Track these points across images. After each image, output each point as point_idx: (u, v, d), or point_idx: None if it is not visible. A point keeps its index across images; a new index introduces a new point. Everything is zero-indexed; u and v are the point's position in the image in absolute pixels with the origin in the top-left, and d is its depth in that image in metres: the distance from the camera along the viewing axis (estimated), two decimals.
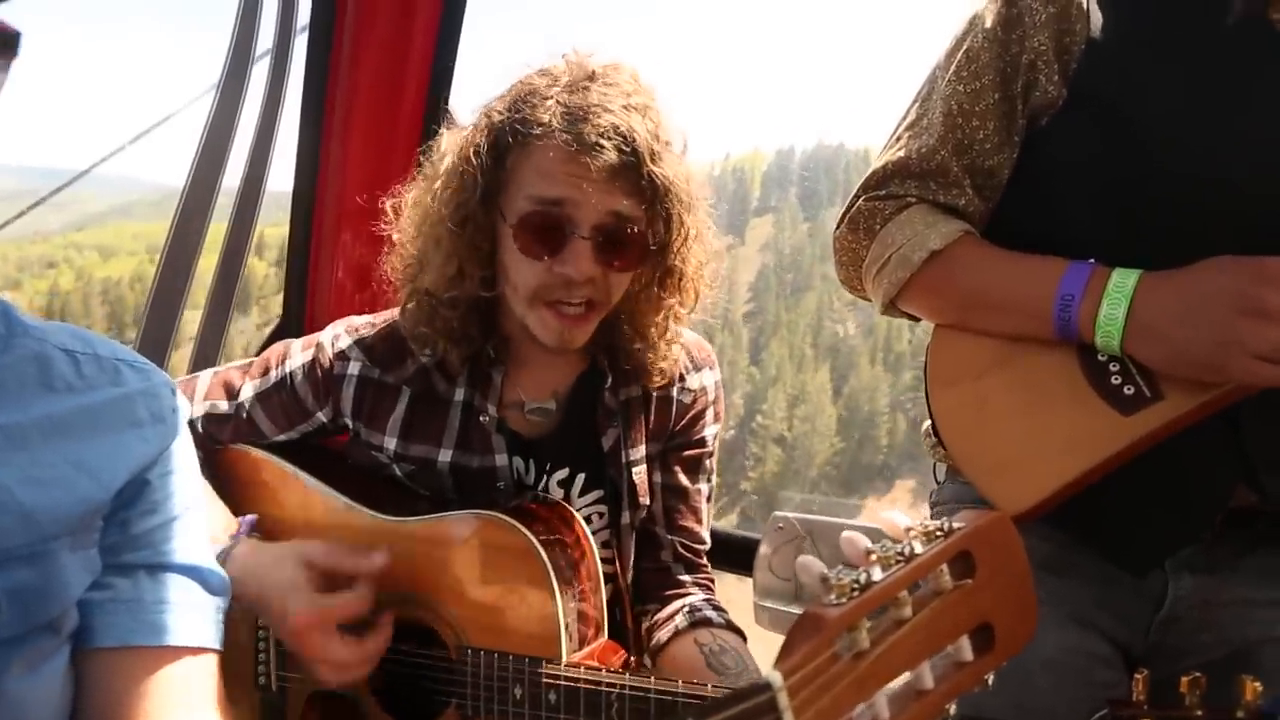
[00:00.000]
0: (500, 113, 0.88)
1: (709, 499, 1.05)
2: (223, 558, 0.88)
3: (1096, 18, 0.82)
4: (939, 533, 0.43)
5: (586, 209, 0.85)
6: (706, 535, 1.04)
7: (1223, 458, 0.79)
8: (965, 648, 0.42)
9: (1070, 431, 0.79)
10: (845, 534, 0.45)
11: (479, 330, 0.95)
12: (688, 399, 1.01)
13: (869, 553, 0.42)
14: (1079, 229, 0.83)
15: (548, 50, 0.92)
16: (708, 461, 1.04)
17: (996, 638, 0.43)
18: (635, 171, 0.85)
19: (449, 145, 0.92)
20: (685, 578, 1.00)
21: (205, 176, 1.33)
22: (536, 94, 0.87)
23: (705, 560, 1.04)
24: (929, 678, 0.40)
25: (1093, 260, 0.80)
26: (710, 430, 1.04)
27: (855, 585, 0.39)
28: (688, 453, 1.02)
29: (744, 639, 0.97)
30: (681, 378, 1.01)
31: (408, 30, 1.43)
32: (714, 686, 0.81)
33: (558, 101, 0.86)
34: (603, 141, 0.83)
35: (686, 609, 0.97)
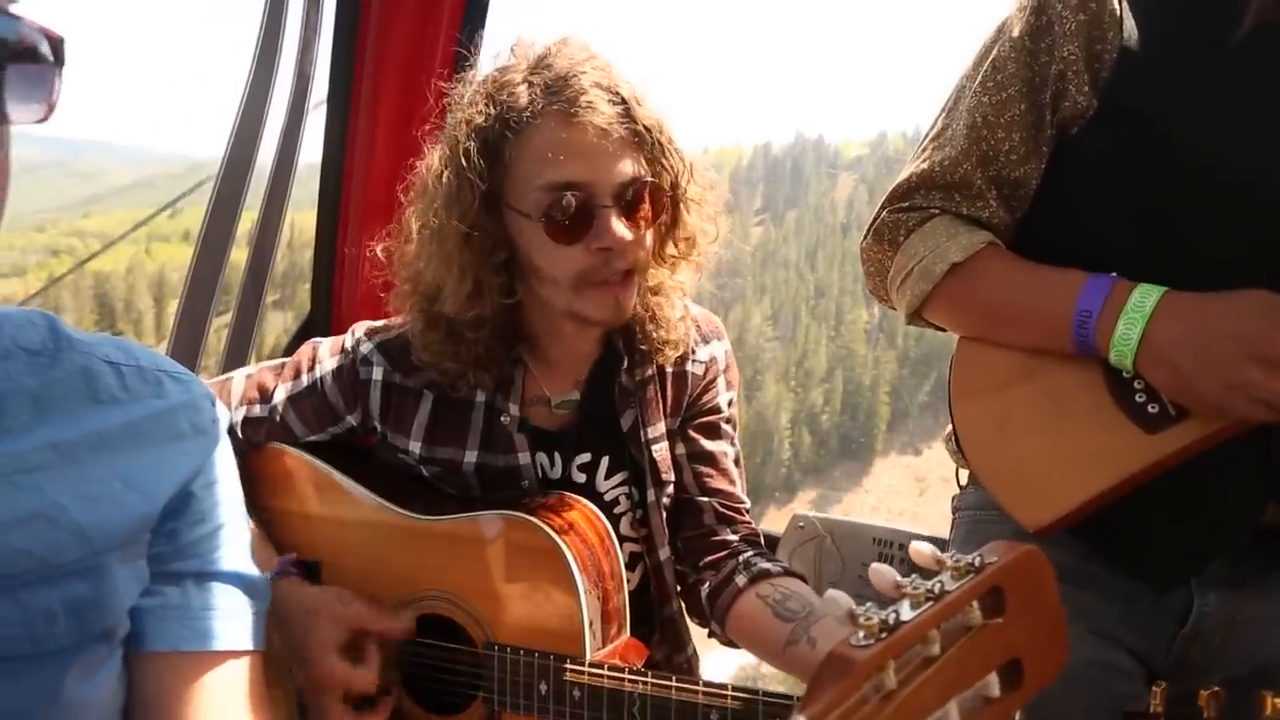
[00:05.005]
0: (480, 114, 0.88)
1: (737, 463, 1.05)
2: None
3: (1130, 25, 0.80)
4: (970, 568, 0.44)
5: (601, 178, 0.86)
6: (744, 496, 1.05)
7: (1253, 474, 0.78)
8: (993, 684, 0.43)
9: (1093, 448, 0.79)
10: (874, 565, 0.46)
11: (503, 347, 0.96)
12: (700, 370, 1.03)
13: (898, 586, 0.43)
14: (1109, 239, 0.82)
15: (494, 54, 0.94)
16: (726, 426, 1.05)
17: (1026, 673, 0.44)
18: (630, 119, 0.87)
19: (438, 161, 0.91)
20: (730, 536, 1.00)
21: (238, 159, 1.34)
22: (505, 86, 0.88)
23: (748, 516, 1.03)
24: (956, 716, 0.41)
25: (1114, 274, 0.79)
26: (724, 396, 1.05)
27: (884, 626, 0.39)
28: (704, 419, 1.03)
29: (805, 580, 0.97)
30: (692, 352, 1.02)
31: (435, 16, 1.42)
32: (734, 689, 0.82)
33: (529, 83, 0.87)
34: (591, 98, 0.85)
35: (742, 566, 0.97)
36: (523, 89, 0.87)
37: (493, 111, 0.87)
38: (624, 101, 0.87)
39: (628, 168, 0.87)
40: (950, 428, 0.93)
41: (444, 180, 0.88)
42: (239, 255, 1.42)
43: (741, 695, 0.81)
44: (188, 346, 1.31)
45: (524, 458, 0.98)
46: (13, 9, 0.47)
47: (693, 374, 1.02)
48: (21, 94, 0.46)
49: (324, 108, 1.44)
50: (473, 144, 0.87)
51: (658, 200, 0.91)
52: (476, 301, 0.91)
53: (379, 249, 0.99)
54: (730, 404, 1.06)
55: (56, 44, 0.46)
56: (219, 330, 1.40)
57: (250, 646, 0.67)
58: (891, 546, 1.28)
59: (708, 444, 1.03)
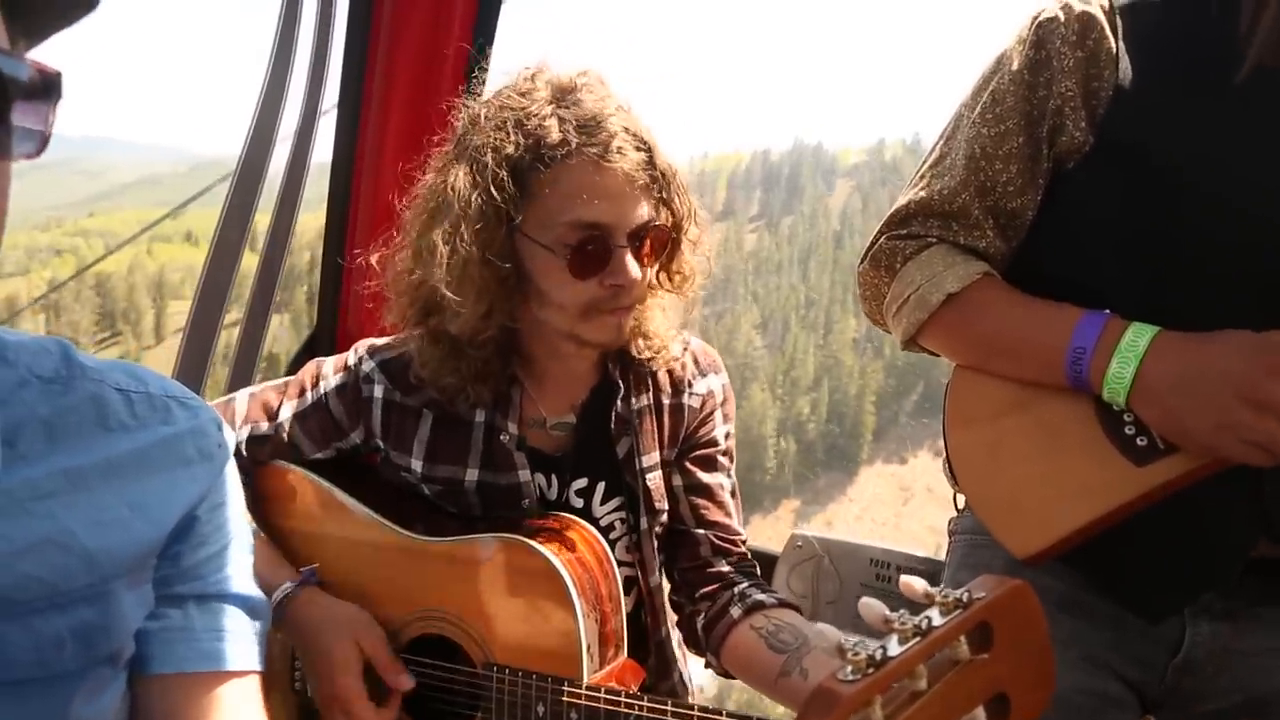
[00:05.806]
0: (510, 142, 0.89)
1: (733, 495, 1.07)
2: (284, 600, 0.94)
3: (1126, 64, 0.81)
4: (958, 603, 0.45)
5: (622, 220, 0.89)
6: (740, 528, 1.06)
7: (1243, 509, 0.79)
8: (980, 718, 0.44)
9: (1083, 479, 0.80)
10: (863, 600, 0.47)
11: (501, 363, 0.98)
12: (697, 403, 1.04)
13: (887, 621, 0.44)
14: (1104, 274, 0.83)
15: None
16: (723, 459, 1.06)
17: (1012, 707, 0.45)
18: (651, 165, 0.90)
19: (463, 183, 0.90)
20: (725, 568, 1.02)
21: (252, 164, 1.34)
22: (533, 116, 0.89)
23: (744, 548, 1.05)
24: None
25: (1109, 311, 0.80)
26: (721, 429, 1.07)
27: (871, 661, 0.40)
28: (701, 452, 1.05)
29: (799, 612, 0.98)
30: (690, 384, 1.04)
31: (447, 22, 1.42)
32: (727, 714, 0.82)
33: (559, 118, 0.88)
34: (621, 143, 0.88)
35: (736, 597, 0.99)
36: (553, 123, 0.88)
37: (523, 141, 0.88)
38: (648, 148, 0.90)
39: (644, 211, 0.91)
40: (945, 456, 0.94)
41: (473, 205, 0.89)
42: (247, 258, 1.42)
43: (737, 717, 0.82)
44: (198, 351, 1.31)
45: (524, 475, 0.99)
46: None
47: (690, 406, 1.04)
48: (25, 131, 0.48)
49: (333, 113, 1.44)
50: (504, 173, 0.88)
51: (663, 240, 0.95)
52: (486, 323, 0.93)
53: (374, 258, 1.00)
54: (727, 436, 1.08)
55: (54, 80, 0.48)
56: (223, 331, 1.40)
57: (251, 666, 0.67)
58: (889, 568, 1.29)
59: (704, 477, 1.04)
